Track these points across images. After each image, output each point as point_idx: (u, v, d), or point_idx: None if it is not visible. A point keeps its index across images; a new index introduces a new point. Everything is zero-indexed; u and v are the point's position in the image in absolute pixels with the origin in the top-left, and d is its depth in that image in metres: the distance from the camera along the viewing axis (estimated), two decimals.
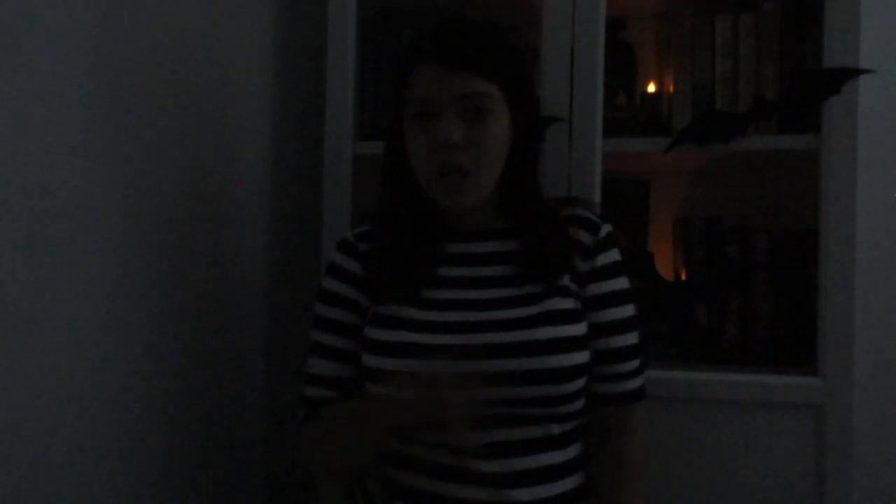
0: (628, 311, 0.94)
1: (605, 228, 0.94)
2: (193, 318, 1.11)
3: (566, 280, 0.90)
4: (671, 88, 1.27)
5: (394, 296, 0.90)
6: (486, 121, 0.86)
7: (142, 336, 0.98)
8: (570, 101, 1.18)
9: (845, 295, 1.11)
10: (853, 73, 1.10)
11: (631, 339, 0.94)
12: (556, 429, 0.88)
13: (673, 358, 1.26)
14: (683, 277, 1.30)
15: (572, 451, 0.90)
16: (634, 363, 0.94)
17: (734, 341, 1.24)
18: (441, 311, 0.88)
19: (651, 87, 1.38)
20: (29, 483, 0.79)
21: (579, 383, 0.87)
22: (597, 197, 1.17)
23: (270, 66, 1.36)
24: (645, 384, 0.96)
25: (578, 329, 0.88)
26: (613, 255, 0.94)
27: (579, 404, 0.90)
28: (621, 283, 0.93)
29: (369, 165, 1.32)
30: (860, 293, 1.11)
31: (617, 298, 0.93)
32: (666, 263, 1.39)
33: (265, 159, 1.35)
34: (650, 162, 1.33)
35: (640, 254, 1.36)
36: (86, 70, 0.86)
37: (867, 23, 1.11)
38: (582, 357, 0.87)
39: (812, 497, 1.11)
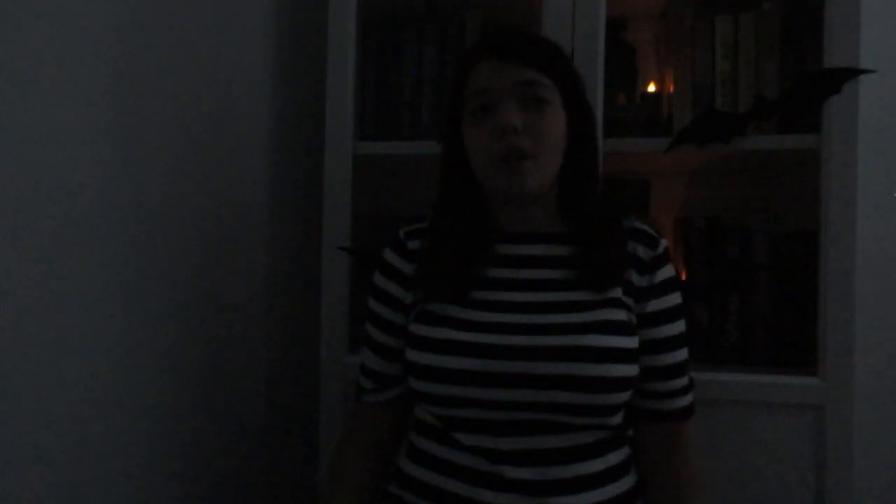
0: (680, 326, 0.93)
1: (663, 243, 0.93)
2: (194, 316, 1.11)
3: (619, 292, 0.89)
4: (671, 88, 1.27)
5: (441, 294, 0.90)
6: (544, 109, 0.87)
7: (143, 333, 0.98)
8: None
9: (845, 295, 1.11)
10: (853, 73, 1.10)
11: (683, 354, 0.93)
12: (590, 437, 0.86)
13: None
14: (683, 277, 1.30)
15: (609, 461, 0.88)
16: (685, 380, 0.94)
17: (734, 341, 1.24)
18: (487, 311, 0.87)
19: (651, 87, 1.38)
20: (29, 480, 0.79)
21: (624, 396, 0.85)
22: None
23: (270, 66, 1.36)
24: (694, 402, 0.95)
25: (629, 342, 0.86)
26: (669, 271, 0.93)
27: (619, 417, 0.89)
28: (676, 298, 0.93)
29: (369, 165, 1.33)
30: (860, 293, 1.11)
31: (672, 314, 0.92)
32: None
33: (265, 160, 1.35)
34: (650, 162, 1.33)
35: None
36: (93, 72, 0.86)
37: (867, 23, 1.11)
38: (630, 370, 0.85)
39: (812, 497, 1.12)
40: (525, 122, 0.86)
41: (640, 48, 1.41)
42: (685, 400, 0.94)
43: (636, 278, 0.90)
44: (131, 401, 0.96)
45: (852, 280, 1.10)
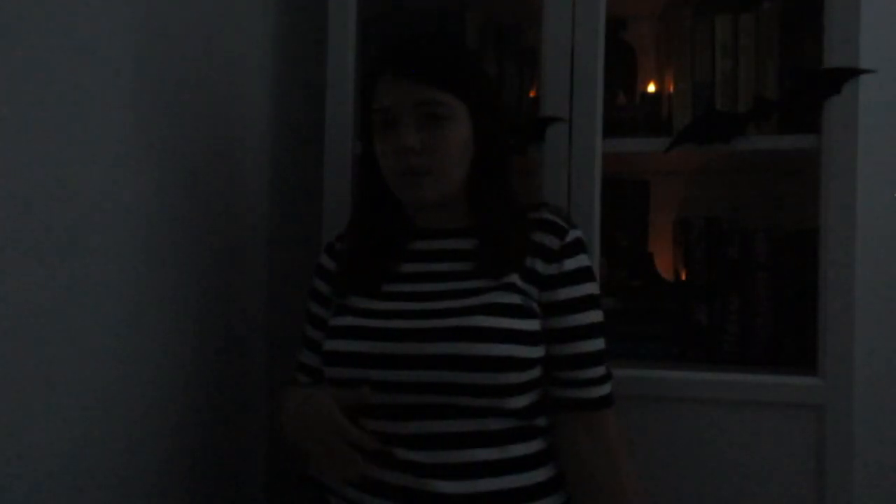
0: (596, 316, 0.93)
1: (573, 234, 0.94)
2: (195, 316, 1.11)
3: (515, 278, 0.91)
4: (671, 88, 1.27)
5: (354, 288, 0.96)
6: (443, 126, 0.91)
7: (145, 333, 0.98)
8: (570, 101, 1.18)
9: (845, 295, 1.11)
10: (853, 73, 1.10)
11: (598, 344, 0.93)
12: (492, 424, 0.87)
13: (673, 358, 1.26)
14: (683, 277, 1.30)
15: (513, 451, 0.89)
16: (601, 370, 0.93)
17: (734, 341, 1.24)
18: (393, 301, 0.93)
19: (651, 87, 1.38)
20: (34, 477, 0.79)
21: (515, 377, 0.86)
22: (597, 197, 1.18)
23: (270, 66, 1.36)
24: (612, 392, 0.94)
25: (520, 324, 0.88)
26: (582, 261, 0.94)
27: (520, 402, 0.89)
28: (589, 288, 0.93)
29: None
30: (860, 293, 1.11)
31: (585, 303, 0.92)
32: (666, 263, 1.40)
33: (265, 159, 1.35)
34: (650, 162, 1.33)
35: (640, 254, 1.36)
36: (93, 74, 0.86)
37: (867, 23, 1.11)
38: (519, 351, 0.86)
39: (812, 497, 1.11)
40: (423, 140, 0.90)
41: (640, 48, 1.40)
42: (602, 389, 0.93)
43: (541, 266, 0.92)
44: (135, 401, 0.96)
45: (852, 280, 1.10)
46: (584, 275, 0.93)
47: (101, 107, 0.89)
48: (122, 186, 0.94)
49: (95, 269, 0.89)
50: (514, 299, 0.90)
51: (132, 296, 0.96)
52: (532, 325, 0.89)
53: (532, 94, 1.32)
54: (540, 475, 0.90)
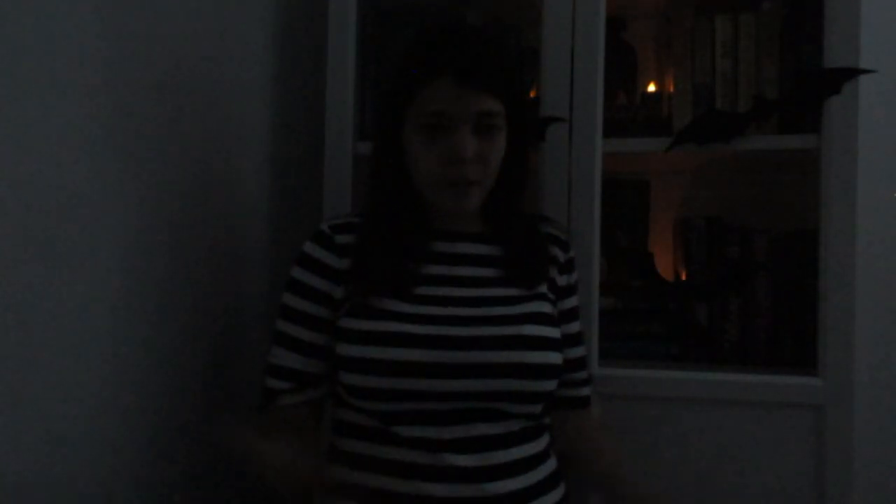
0: (580, 324, 1.05)
1: (572, 249, 1.04)
2: (195, 317, 1.11)
3: (545, 288, 0.97)
4: (671, 88, 1.27)
5: (381, 289, 0.90)
6: (494, 136, 0.90)
7: (144, 334, 0.98)
8: (570, 101, 1.18)
9: (845, 295, 1.11)
10: (853, 73, 1.10)
11: (583, 350, 1.05)
12: (517, 425, 0.90)
13: (673, 358, 1.26)
14: (683, 277, 1.30)
15: (534, 447, 0.92)
16: (586, 372, 1.05)
17: (734, 341, 1.24)
18: (426, 304, 0.90)
19: (651, 87, 1.38)
20: (32, 478, 0.79)
21: (554, 383, 0.92)
22: (597, 197, 1.18)
23: (270, 66, 1.36)
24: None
25: (556, 332, 0.93)
26: (575, 273, 1.04)
27: (541, 406, 0.93)
28: (578, 298, 1.04)
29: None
30: (860, 293, 1.11)
31: (578, 312, 1.04)
32: (666, 263, 1.40)
33: (265, 159, 1.35)
34: (650, 162, 1.33)
35: (640, 254, 1.36)
36: (92, 71, 0.86)
37: (867, 23, 1.11)
38: (559, 358, 0.92)
39: (812, 497, 1.12)
40: (477, 150, 0.89)
41: (640, 48, 1.41)
42: (588, 390, 1.05)
43: (558, 277, 1.00)
44: (132, 402, 0.96)
45: (852, 280, 1.10)
46: (577, 287, 1.04)
47: (100, 106, 0.89)
48: (117, 188, 0.93)
49: (88, 271, 0.89)
50: (549, 308, 0.95)
51: (129, 298, 0.96)
52: (559, 333, 0.95)
53: (532, 94, 1.32)
54: (552, 465, 0.95)
